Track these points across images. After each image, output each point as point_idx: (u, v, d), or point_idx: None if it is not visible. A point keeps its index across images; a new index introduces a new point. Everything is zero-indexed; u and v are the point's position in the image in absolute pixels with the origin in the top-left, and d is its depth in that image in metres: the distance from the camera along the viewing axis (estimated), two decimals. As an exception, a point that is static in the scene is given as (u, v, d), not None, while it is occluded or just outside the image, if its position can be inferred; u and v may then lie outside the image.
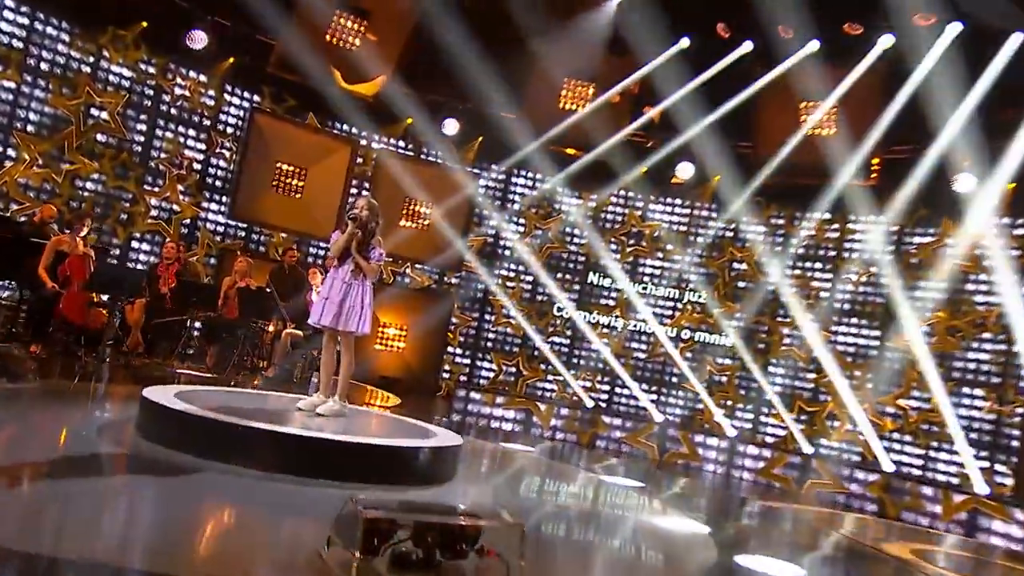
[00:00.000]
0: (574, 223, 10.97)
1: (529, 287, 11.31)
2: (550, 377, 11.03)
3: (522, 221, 11.22)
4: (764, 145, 9.70)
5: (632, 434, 8.55)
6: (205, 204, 9.78)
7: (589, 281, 11.01)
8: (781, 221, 10.49)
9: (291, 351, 7.18)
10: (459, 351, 11.28)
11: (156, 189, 9.36)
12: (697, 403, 10.54)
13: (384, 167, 10.39)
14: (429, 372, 11.08)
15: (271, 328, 7.43)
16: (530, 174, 11.15)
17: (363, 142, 10.48)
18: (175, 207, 9.50)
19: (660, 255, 10.93)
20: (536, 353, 11.13)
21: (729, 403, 10.46)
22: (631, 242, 11.04)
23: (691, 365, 10.54)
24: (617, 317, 10.86)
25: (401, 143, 10.71)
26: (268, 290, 7.31)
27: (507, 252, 11.23)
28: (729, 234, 10.67)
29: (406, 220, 10.83)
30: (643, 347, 10.94)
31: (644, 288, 10.71)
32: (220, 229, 9.93)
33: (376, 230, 3.88)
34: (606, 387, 10.88)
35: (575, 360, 11.04)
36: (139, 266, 8.92)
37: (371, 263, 3.88)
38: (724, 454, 8.16)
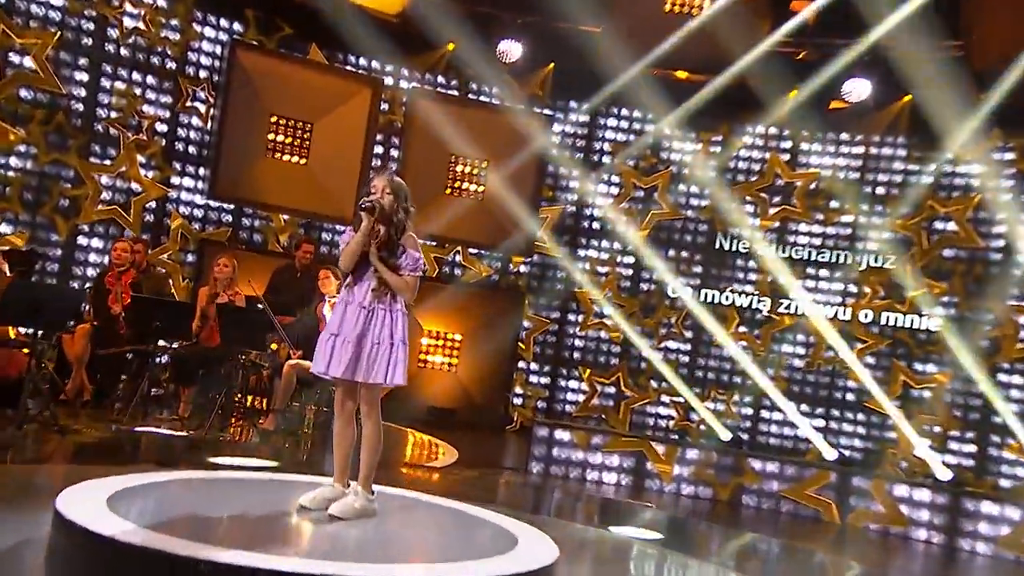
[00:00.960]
0: (692, 179, 10.73)
1: (629, 273, 11.08)
2: (665, 399, 10.79)
3: (617, 181, 11.05)
4: (986, 46, 8.85)
5: (797, 486, 7.63)
6: (176, 180, 9.61)
7: (716, 260, 10.73)
8: (1010, 155, 9.84)
9: (297, 392, 6.86)
10: (535, 367, 11.10)
11: (107, 163, 9.13)
12: (886, 430, 10.09)
13: (419, 115, 10.24)
14: (494, 399, 10.93)
15: (275, 349, 7.20)
16: (626, 113, 10.98)
17: (388, 81, 10.36)
18: (135, 186, 9.30)
19: (820, 217, 10.43)
20: (643, 366, 10.87)
21: (937, 430, 9.95)
22: (776, 200, 10.66)
23: (875, 375, 10.08)
24: (759, 310, 10.53)
25: (441, 79, 10.58)
26: (260, 306, 6.96)
27: (596, 226, 11.07)
28: (927, 179, 10.10)
29: (452, 188, 10.71)
30: (800, 351, 10.56)
31: (799, 265, 10.32)
32: (198, 214, 9.78)
33: (407, 222, 3.52)
34: (748, 410, 10.61)
35: (699, 373, 10.77)
36: (91, 271, 8.79)
37: (403, 274, 3.49)
38: (941, 512, 7.21)
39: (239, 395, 6.90)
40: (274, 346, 7.27)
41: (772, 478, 7.71)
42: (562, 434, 8.11)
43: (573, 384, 11.09)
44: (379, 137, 10.29)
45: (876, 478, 7.55)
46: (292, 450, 6.50)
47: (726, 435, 10.19)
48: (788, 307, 10.52)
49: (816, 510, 7.50)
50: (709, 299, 10.67)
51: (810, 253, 10.46)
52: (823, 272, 10.44)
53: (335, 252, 9.75)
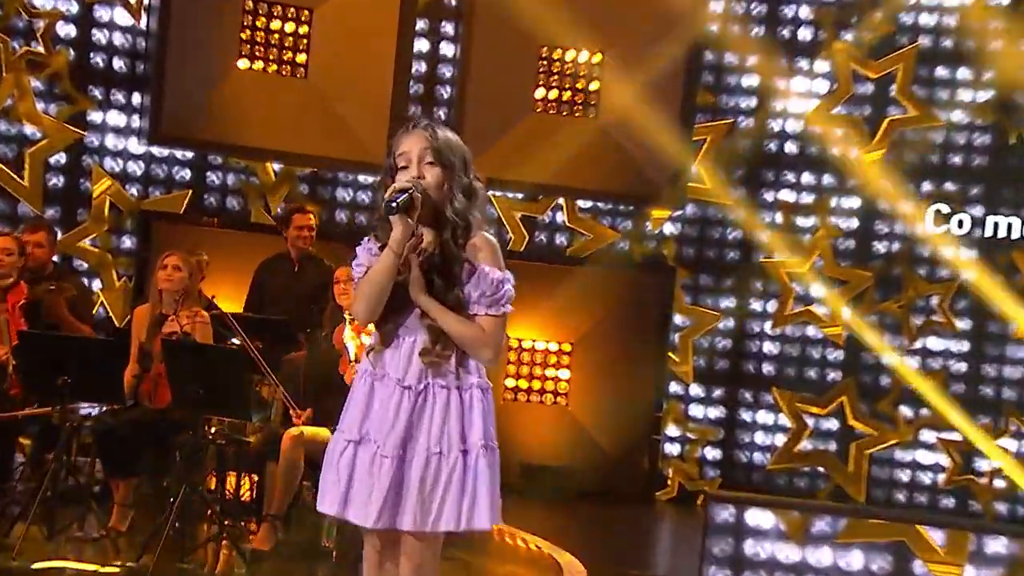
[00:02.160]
0: (961, 56, 10.51)
1: (853, 226, 10.78)
2: (927, 436, 10.45)
3: (825, 70, 10.75)
4: None
5: None
6: (96, 116, 9.67)
7: (1011, 195, 10.54)
8: None
9: (307, 479, 6.88)
10: (697, 390, 10.94)
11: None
12: None
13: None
14: (631, 446, 10.75)
15: (267, 410, 7.52)
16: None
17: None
18: (28, 129, 9.41)
19: None
20: (885, 381, 10.57)
21: None
22: None
23: None
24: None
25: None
26: (233, 344, 7.12)
27: (792, 149, 10.86)
28: None
29: (546, 102, 10.62)
30: None
31: None
32: (136, 169, 9.83)
33: (473, 212, 3.49)
34: None
35: (987, 391, 10.49)
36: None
37: (478, 314, 3.47)
38: None
39: (210, 492, 7.16)
40: (266, 395, 7.55)
41: None
42: (759, 516, 7.59)
43: (765, 417, 10.84)
44: (421, 25, 10.37)
45: None
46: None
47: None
48: None
49: None
50: (997, 262, 10.28)
51: None
52: None
53: (357, 228, 10.22)
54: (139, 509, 6.95)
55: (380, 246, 3.38)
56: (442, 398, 3.40)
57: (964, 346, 10.51)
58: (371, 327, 3.79)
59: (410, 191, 3.29)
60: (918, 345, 10.53)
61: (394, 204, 3.24)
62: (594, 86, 10.47)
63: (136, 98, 9.64)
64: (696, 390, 10.80)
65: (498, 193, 10.42)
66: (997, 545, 7.01)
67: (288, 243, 8.44)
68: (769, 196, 10.77)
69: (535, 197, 10.57)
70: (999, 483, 10.06)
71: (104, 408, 7.16)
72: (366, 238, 3.52)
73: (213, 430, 7.03)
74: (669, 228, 10.82)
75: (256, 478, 7.36)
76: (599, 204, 10.77)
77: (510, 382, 10.77)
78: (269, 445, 6.86)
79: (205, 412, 6.69)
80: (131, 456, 6.88)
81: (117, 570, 6.19)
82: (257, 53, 9.83)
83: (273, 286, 8.44)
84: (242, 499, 7.45)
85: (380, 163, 11.09)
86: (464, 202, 3.41)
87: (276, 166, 10.13)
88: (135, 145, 9.66)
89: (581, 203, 10.69)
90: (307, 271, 8.37)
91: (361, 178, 10.27)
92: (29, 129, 9.27)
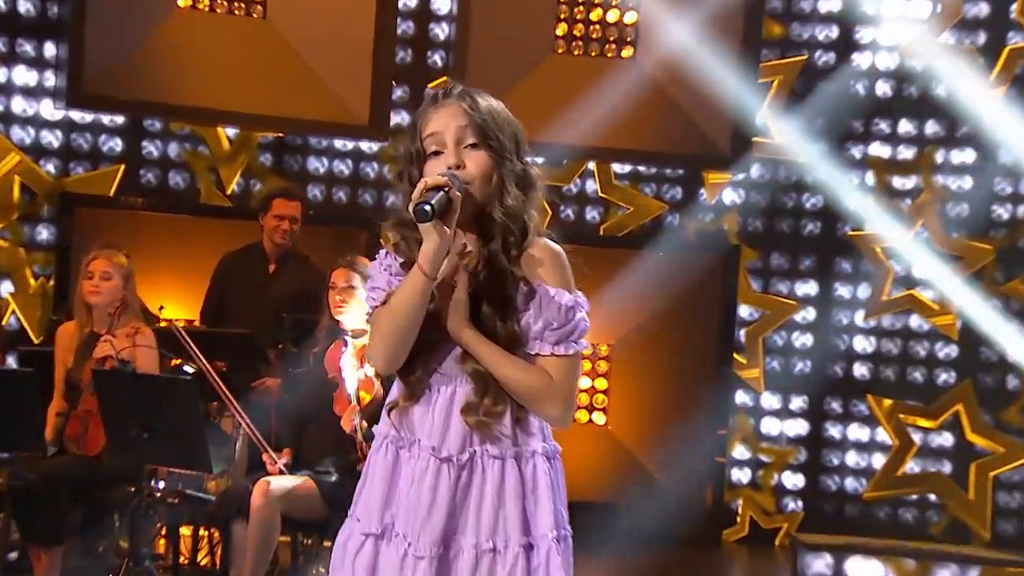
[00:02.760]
0: None
1: (965, 187, 10.65)
2: None
3: None
4: None
5: None
6: None
7: None
8: None
9: (287, 542, 6.99)
10: (771, 400, 10.77)
11: None
12: None
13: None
14: (690, 472, 10.52)
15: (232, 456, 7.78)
16: None
17: None
18: None
19: None
20: (1012, 384, 10.43)
21: None
22: None
23: None
24: None
25: None
26: (187, 371, 7.18)
27: (885, 90, 10.70)
28: None
29: (570, 41, 10.62)
30: None
31: None
32: (51, 140, 9.84)
33: (528, 211, 3.26)
34: None
35: None
36: None
37: (541, 354, 3.27)
38: None
39: (158, 559, 7.28)
40: (228, 430, 7.81)
41: None
42: (863, 567, 8.22)
43: (858, 432, 10.67)
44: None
45: None
46: None
47: None
48: None
49: None
50: None
51: None
52: None
53: (335, 206, 10.61)
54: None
55: (403, 263, 3.19)
56: (495, 473, 3.22)
57: None
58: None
59: (447, 189, 3.05)
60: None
61: (427, 208, 2.99)
62: (630, 17, 10.32)
63: (49, 49, 9.54)
64: (770, 400, 10.64)
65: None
66: None
67: (264, 234, 8.28)
68: (857, 152, 10.54)
69: (559, 162, 10.31)
70: None
71: (19, 456, 7.03)
72: (382, 251, 3.33)
73: (162, 484, 6.92)
74: (730, 196, 10.67)
75: (218, 537, 7.30)
76: (640, 168, 10.63)
77: None
78: (235, 501, 6.71)
79: (151, 462, 6.62)
80: (55, 518, 6.81)
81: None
82: (205, -7, 9.89)
83: (240, 289, 8.31)
84: (201, 566, 7.43)
85: (361, 124, 10.52)
86: (519, 197, 3.19)
87: (230, 131, 9.96)
88: (49, 109, 9.58)
89: (617, 167, 10.50)
90: (287, 273, 8.26)
91: (338, 144, 10.20)
92: None
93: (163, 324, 7.30)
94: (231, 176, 9.95)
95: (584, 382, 10.63)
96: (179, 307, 8.59)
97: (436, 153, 3.15)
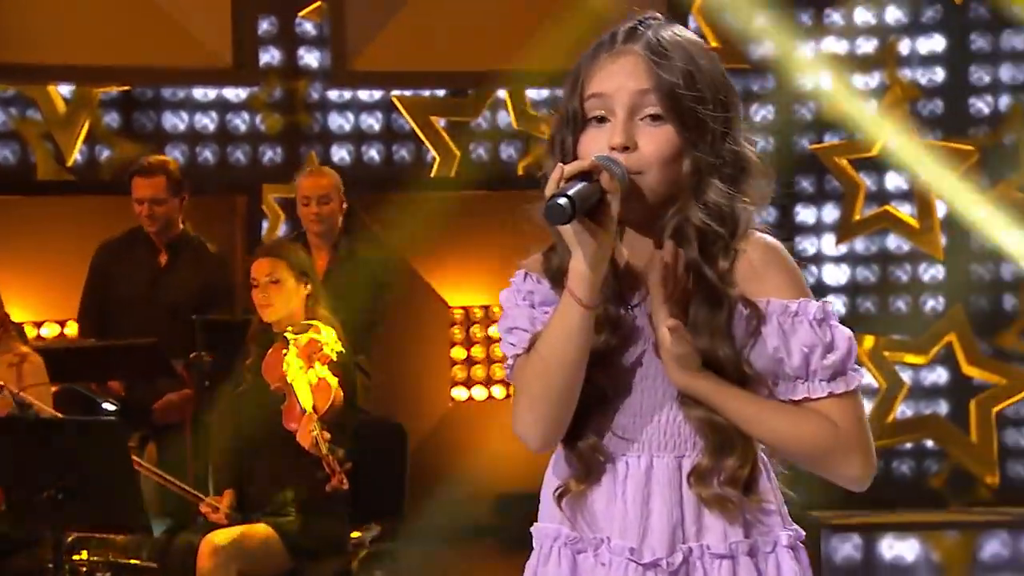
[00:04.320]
0: None
1: (937, 84, 10.16)
2: None
3: None
4: None
5: None
6: None
7: None
8: None
9: None
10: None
11: None
12: None
13: None
14: None
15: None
16: None
17: None
18: None
19: None
20: (1009, 304, 9.94)
21: None
22: None
23: None
24: None
25: None
26: (108, 408, 6.92)
27: None
28: None
29: None
30: None
31: None
32: None
33: (738, 202, 2.62)
34: None
35: None
36: None
37: (811, 394, 2.67)
38: None
39: None
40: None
41: None
42: (900, 546, 8.35)
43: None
44: None
45: None
46: None
47: None
48: None
49: None
50: None
51: None
52: None
53: (199, 169, 10.40)
54: None
55: (554, 282, 2.66)
56: None
57: None
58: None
59: (596, 176, 2.45)
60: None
61: (563, 203, 2.35)
62: None
63: None
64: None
65: (407, 93, 9.78)
66: None
67: (143, 218, 7.70)
68: (809, 48, 9.77)
69: (462, 92, 9.72)
70: None
71: None
72: (519, 273, 2.78)
73: (84, 556, 6.35)
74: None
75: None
76: (560, 92, 9.40)
77: (460, 373, 9.95)
78: (178, 566, 6.27)
79: (70, 526, 6.05)
80: None
81: None
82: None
83: (126, 287, 7.71)
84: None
85: (223, 67, 9.59)
86: (727, 187, 2.58)
87: (65, 89, 9.08)
88: None
89: (533, 94, 9.62)
90: (182, 264, 7.74)
91: (198, 93, 9.32)
92: None
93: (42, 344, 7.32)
94: (71, 144, 9.17)
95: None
96: (19, 309, 8.15)
97: (602, 119, 2.54)
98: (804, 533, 2.74)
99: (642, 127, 2.49)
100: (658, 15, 2.51)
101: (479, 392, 10.03)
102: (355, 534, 6.55)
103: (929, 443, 9.46)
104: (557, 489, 2.64)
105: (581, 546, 2.64)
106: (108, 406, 6.53)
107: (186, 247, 7.73)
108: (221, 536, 5.95)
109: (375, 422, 6.92)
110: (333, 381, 5.86)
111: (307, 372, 5.79)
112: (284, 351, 5.88)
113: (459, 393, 10.02)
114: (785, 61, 9.66)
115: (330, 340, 6.14)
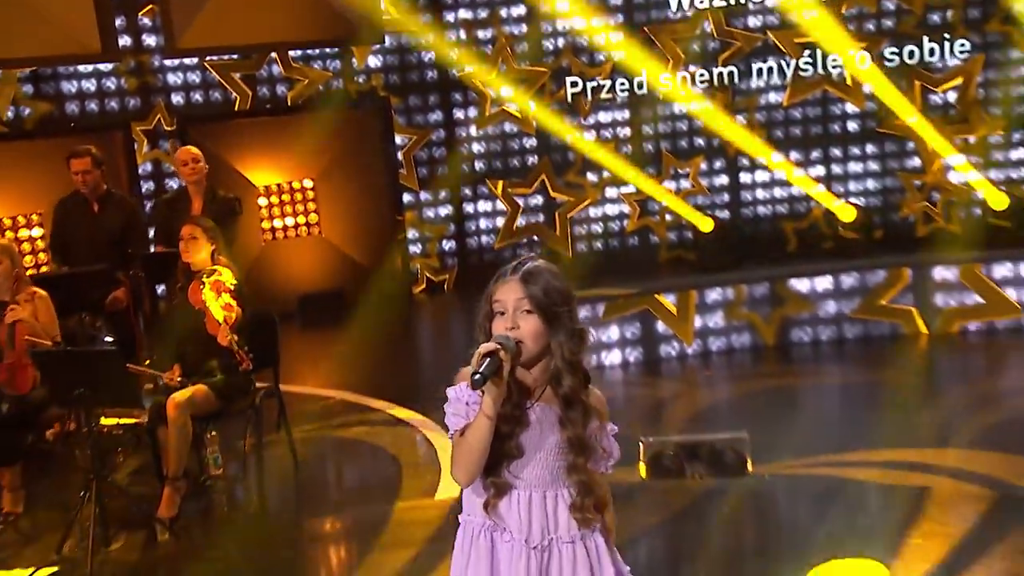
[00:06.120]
0: None
1: (522, 34, 12.31)
2: (611, 193, 12.46)
3: None
4: None
5: (864, 301, 9.08)
6: None
7: None
8: None
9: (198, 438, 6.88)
10: (427, 196, 12.73)
11: None
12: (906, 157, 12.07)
13: None
14: (384, 255, 12.47)
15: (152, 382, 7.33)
16: None
17: None
18: None
19: None
20: (571, 156, 12.58)
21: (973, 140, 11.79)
22: None
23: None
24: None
25: None
26: (109, 340, 7.38)
27: None
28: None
29: None
30: (776, 82, 12.67)
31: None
32: None
33: (582, 355, 3.18)
34: (723, 179, 12.55)
35: (648, 146, 12.49)
36: None
37: (598, 468, 3.27)
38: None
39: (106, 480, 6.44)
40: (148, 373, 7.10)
41: (826, 298, 9.20)
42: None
43: (485, 206, 12.75)
44: None
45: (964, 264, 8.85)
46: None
47: (707, 224, 12.32)
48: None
49: (894, 323, 9.01)
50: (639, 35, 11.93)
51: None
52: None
53: (87, 116, 10.41)
54: (29, 489, 6.82)
55: (471, 400, 3.10)
56: (568, 554, 3.24)
57: (625, 114, 12.42)
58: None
59: (496, 351, 3.00)
60: (590, 120, 12.41)
61: (478, 378, 2.97)
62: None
63: None
64: (425, 195, 12.49)
65: (215, 59, 11.29)
66: (715, 294, 8.89)
67: (80, 182, 8.03)
68: (451, 17, 12.16)
69: (248, 56, 11.51)
70: (670, 218, 12.46)
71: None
72: (461, 384, 3.13)
73: (109, 421, 6.83)
74: (374, 61, 12.08)
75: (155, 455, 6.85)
76: (307, 51, 11.76)
77: (267, 222, 11.97)
78: (156, 416, 6.60)
79: (93, 408, 6.31)
80: (7, 445, 6.71)
81: (55, 568, 6.00)
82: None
83: (75, 228, 8.04)
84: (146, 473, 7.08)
85: (96, 51, 11.29)
86: (575, 347, 3.15)
87: None
88: None
89: (293, 55, 11.69)
90: (109, 211, 8.08)
91: (82, 68, 11.12)
92: None
93: (34, 274, 7.37)
94: (3, 105, 10.76)
95: (298, 214, 11.91)
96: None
97: (501, 313, 3.10)
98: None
99: (522, 317, 3.07)
100: (533, 255, 3.07)
101: (279, 226, 11.88)
102: (259, 384, 6.81)
103: (536, 238, 12.61)
104: (486, 503, 3.13)
105: (496, 532, 3.18)
106: (108, 339, 7.04)
107: (110, 200, 8.09)
108: (179, 396, 6.34)
109: (255, 312, 6.75)
110: (233, 303, 6.14)
111: (217, 299, 6.17)
112: (200, 286, 6.38)
113: (267, 228, 11.77)
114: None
115: (229, 277, 6.38)
